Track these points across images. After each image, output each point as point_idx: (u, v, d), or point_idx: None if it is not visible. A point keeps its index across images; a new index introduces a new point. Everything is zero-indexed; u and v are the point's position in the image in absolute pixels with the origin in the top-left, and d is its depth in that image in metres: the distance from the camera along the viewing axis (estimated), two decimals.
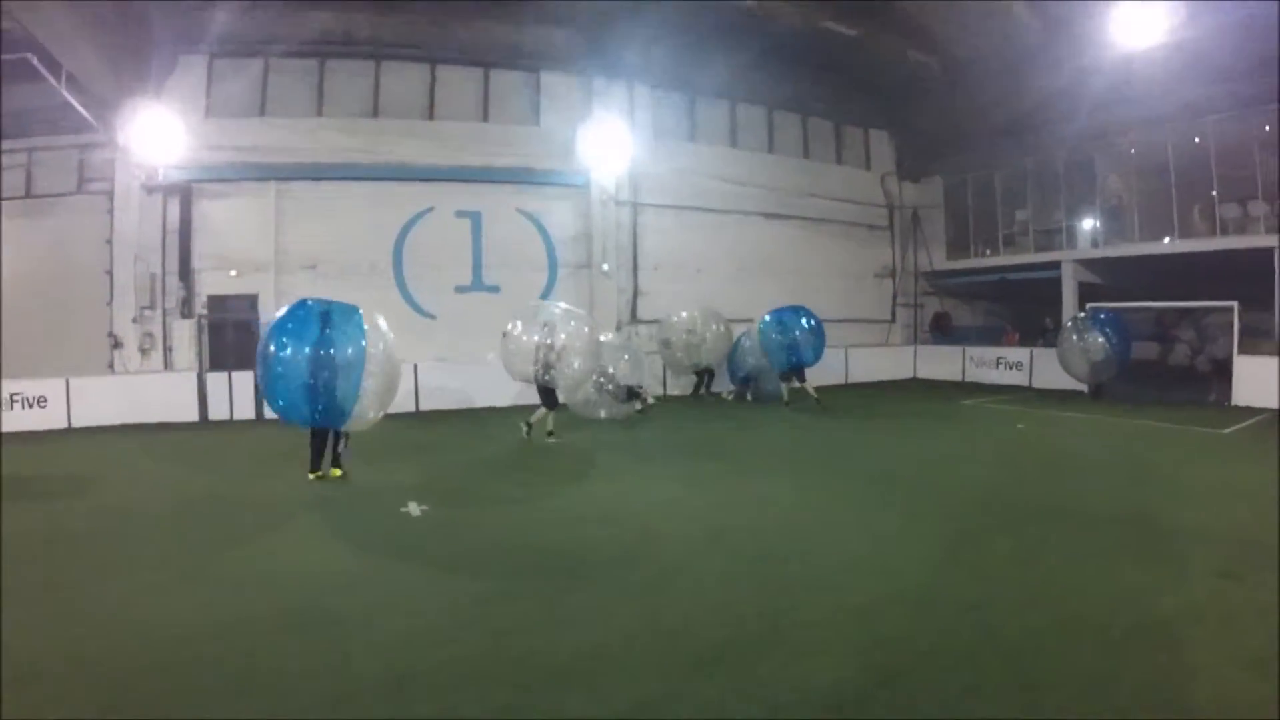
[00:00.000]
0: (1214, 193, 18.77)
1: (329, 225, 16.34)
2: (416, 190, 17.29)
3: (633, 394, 13.92)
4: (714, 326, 17.85)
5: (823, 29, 19.29)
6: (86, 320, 15.38)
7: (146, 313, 15.44)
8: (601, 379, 13.34)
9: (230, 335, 15.27)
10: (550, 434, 12.23)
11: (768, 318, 16.58)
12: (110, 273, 15.58)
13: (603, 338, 12.87)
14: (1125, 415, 15.08)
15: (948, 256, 25.40)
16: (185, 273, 15.46)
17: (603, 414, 13.65)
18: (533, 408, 12.47)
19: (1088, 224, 22.01)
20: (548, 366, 11.59)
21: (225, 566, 6.02)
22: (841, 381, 21.69)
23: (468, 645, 4.56)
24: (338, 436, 9.22)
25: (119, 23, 14.33)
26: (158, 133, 14.88)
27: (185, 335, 15.15)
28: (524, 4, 17.62)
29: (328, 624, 4.87)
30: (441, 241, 17.40)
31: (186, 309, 15.31)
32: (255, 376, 9.56)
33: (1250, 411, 15.38)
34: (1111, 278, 21.60)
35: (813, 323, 16.67)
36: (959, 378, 22.76)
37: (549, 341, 11.62)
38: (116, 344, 15.37)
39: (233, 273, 15.70)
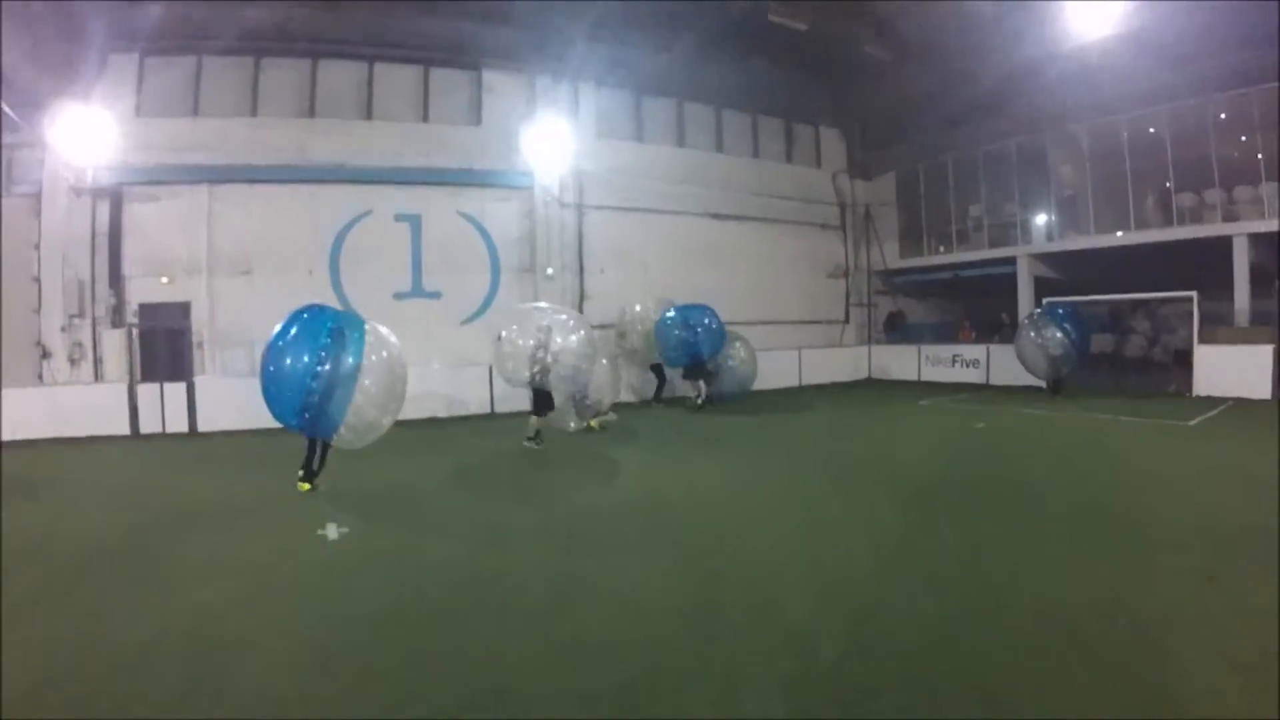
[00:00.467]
0: (1169, 183, 20.12)
1: (264, 229, 16.95)
2: (354, 192, 17.96)
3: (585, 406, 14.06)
4: None
5: (771, 24, 20.14)
6: (13, 329, 15.72)
7: (75, 321, 15.92)
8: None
9: (162, 345, 15.73)
10: (530, 439, 12.61)
11: (671, 313, 17.33)
12: (38, 279, 16.04)
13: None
14: (1088, 410, 15.85)
15: (901, 254, 26.85)
16: (115, 279, 15.99)
17: (572, 425, 14.05)
18: (475, 419, 13.01)
19: (1042, 218, 23.41)
20: (545, 370, 12.02)
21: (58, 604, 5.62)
22: (795, 384, 22.89)
23: None
24: (324, 450, 9.63)
25: (47, 19, 14.78)
26: (87, 133, 15.34)
27: (116, 345, 15.53)
28: (465, 0, 18.33)
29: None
30: (380, 246, 18.10)
31: (117, 317, 15.80)
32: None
33: (1213, 401, 16.48)
34: (1067, 271, 23.03)
35: (715, 324, 17.24)
36: (915, 377, 24.08)
37: (545, 344, 12.02)
38: (45, 354, 15.85)
39: (164, 279, 16.23)
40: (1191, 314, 17.89)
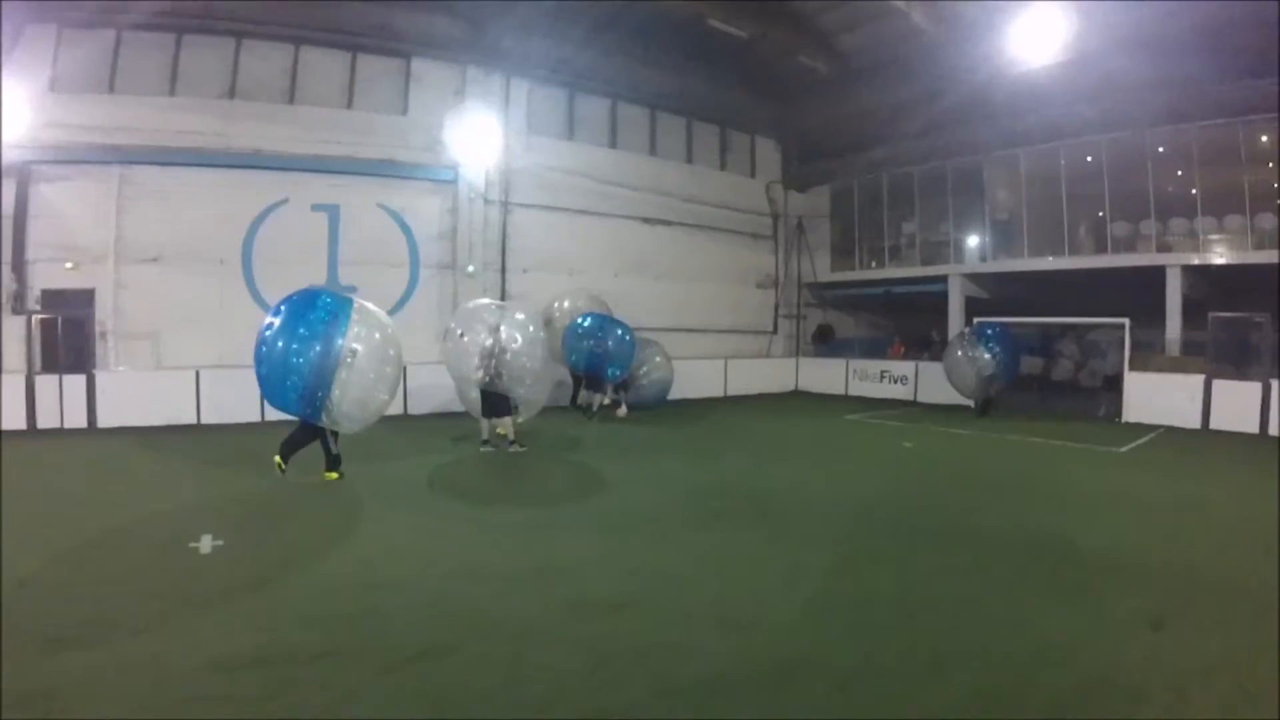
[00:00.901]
0: (1102, 212, 21.75)
1: (175, 215, 17.29)
2: (271, 180, 18.38)
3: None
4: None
5: (711, 29, 21.37)
6: None
7: None
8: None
9: (62, 334, 15.86)
10: (485, 442, 13.02)
11: (586, 321, 17.93)
12: None
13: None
14: (1018, 433, 16.63)
15: (832, 268, 28.48)
16: (19, 263, 16.17)
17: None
18: (388, 419, 13.36)
19: (975, 239, 25.02)
20: (497, 372, 12.34)
21: None
22: (720, 394, 24.19)
23: None
24: (332, 436, 10.24)
25: None
26: None
27: (17, 333, 15.57)
28: None
29: None
30: (296, 236, 18.58)
31: (18, 304, 15.99)
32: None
33: (1143, 428, 17.65)
34: (999, 292, 24.78)
35: (627, 339, 17.85)
36: (842, 391, 25.64)
37: (496, 343, 12.32)
38: None
39: (69, 264, 16.46)
40: (1123, 341, 19.27)
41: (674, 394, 20.72)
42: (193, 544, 7.30)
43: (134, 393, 15.15)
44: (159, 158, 17.20)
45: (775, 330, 27.90)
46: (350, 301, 9.98)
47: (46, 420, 14.80)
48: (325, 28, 18.93)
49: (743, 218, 26.62)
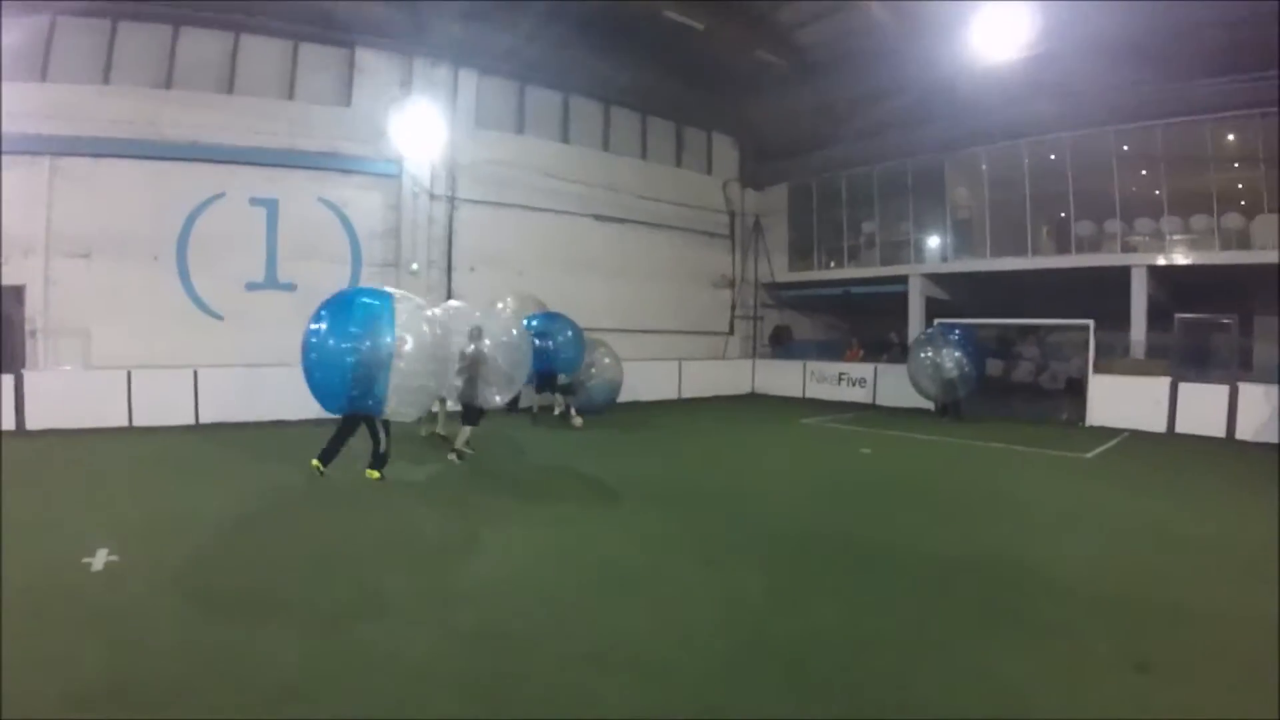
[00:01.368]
0: (1064, 213, 22.63)
1: (108, 208, 17.59)
2: (207, 172, 18.72)
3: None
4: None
5: (667, 20, 22.01)
6: None
7: None
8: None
9: None
10: (458, 453, 12.97)
11: (535, 321, 17.88)
12: None
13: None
14: (979, 438, 16.99)
15: (790, 268, 29.53)
16: None
17: (423, 432, 15.25)
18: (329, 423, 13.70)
19: (936, 238, 26.04)
20: (471, 380, 12.65)
21: None
22: (674, 396, 25.01)
23: None
24: (378, 437, 10.86)
25: None
26: None
27: None
28: None
29: None
30: (232, 231, 18.98)
31: None
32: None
33: (1107, 432, 18.24)
34: (960, 293, 25.77)
35: (574, 337, 18.29)
36: (799, 393, 26.53)
37: (475, 349, 12.64)
38: None
39: None
40: (1086, 343, 19.94)
41: (627, 396, 21.38)
42: (86, 559, 7.07)
43: (65, 393, 15.51)
44: (92, 148, 17.42)
45: (731, 331, 28.89)
46: (391, 295, 10.79)
47: None
48: (267, 14, 19.28)
49: (698, 216, 27.62)
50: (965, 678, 5.13)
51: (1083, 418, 19.69)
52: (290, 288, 19.37)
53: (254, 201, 19.27)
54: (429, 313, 11.23)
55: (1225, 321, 19.47)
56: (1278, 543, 8.20)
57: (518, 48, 22.03)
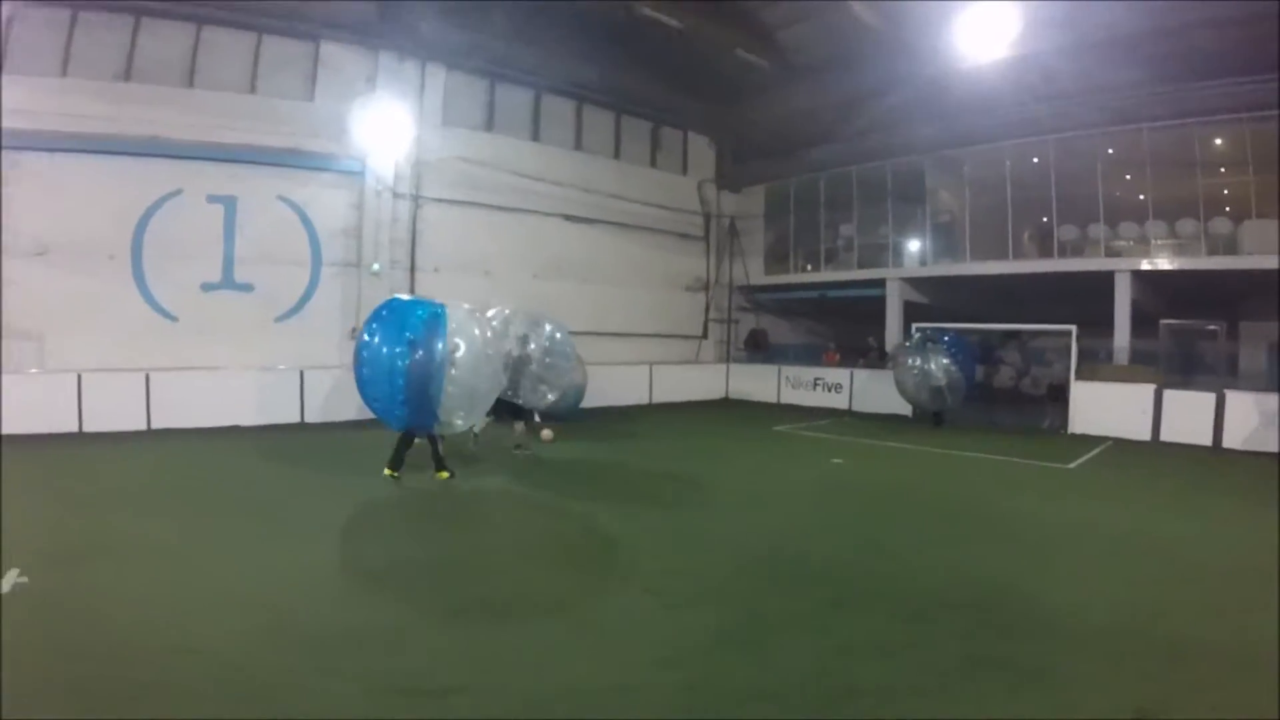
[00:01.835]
0: (1047, 217, 23.13)
1: (63, 206, 17.82)
2: (165, 169, 18.97)
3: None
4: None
5: (644, 17, 22.30)
6: None
7: None
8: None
9: None
10: (519, 446, 14.80)
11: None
12: None
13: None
14: (958, 447, 17.19)
15: (766, 270, 30.20)
16: None
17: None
18: (282, 428, 14.01)
19: (916, 242, 26.63)
20: (515, 381, 13.65)
21: None
22: (645, 401, 25.46)
23: None
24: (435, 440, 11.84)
25: None
26: None
27: None
28: None
29: None
30: (189, 230, 19.22)
31: None
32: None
33: (1090, 440, 18.60)
34: (939, 298, 26.42)
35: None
36: (774, 399, 27.13)
37: (524, 352, 13.81)
38: None
39: None
40: (1069, 348, 20.30)
41: (597, 402, 21.90)
42: None
43: (14, 398, 15.47)
44: (47, 144, 17.60)
45: (705, 335, 29.50)
46: (444, 306, 11.30)
47: None
48: (230, 6, 19.50)
49: (673, 217, 28.22)
50: None
51: (1065, 425, 20.03)
52: (248, 289, 19.71)
53: (212, 199, 19.44)
54: (480, 318, 11.89)
55: (1212, 328, 19.94)
56: (1278, 564, 8.06)
57: (487, 44, 22.46)
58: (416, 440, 12.27)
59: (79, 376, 16.42)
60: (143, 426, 16.60)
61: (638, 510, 11.06)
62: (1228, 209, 20.30)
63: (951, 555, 8.71)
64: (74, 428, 16.07)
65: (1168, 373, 19.54)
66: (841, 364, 26.65)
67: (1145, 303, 21.43)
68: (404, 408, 10.91)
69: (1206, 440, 17.92)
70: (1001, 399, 21.95)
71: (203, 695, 4.97)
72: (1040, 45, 19.17)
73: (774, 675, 5.46)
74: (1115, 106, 20.80)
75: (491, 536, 9.83)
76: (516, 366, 13.68)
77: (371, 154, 21.20)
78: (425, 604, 6.97)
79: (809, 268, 29.08)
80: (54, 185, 17.71)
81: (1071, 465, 15.23)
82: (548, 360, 14.09)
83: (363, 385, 11.30)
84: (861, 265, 27.42)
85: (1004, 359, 22.53)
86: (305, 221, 20.73)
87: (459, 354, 10.83)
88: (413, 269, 22.27)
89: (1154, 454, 17.14)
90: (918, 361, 20.50)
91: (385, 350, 10.84)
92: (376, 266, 21.35)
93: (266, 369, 18.81)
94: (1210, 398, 18.13)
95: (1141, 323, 20.97)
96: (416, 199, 22.31)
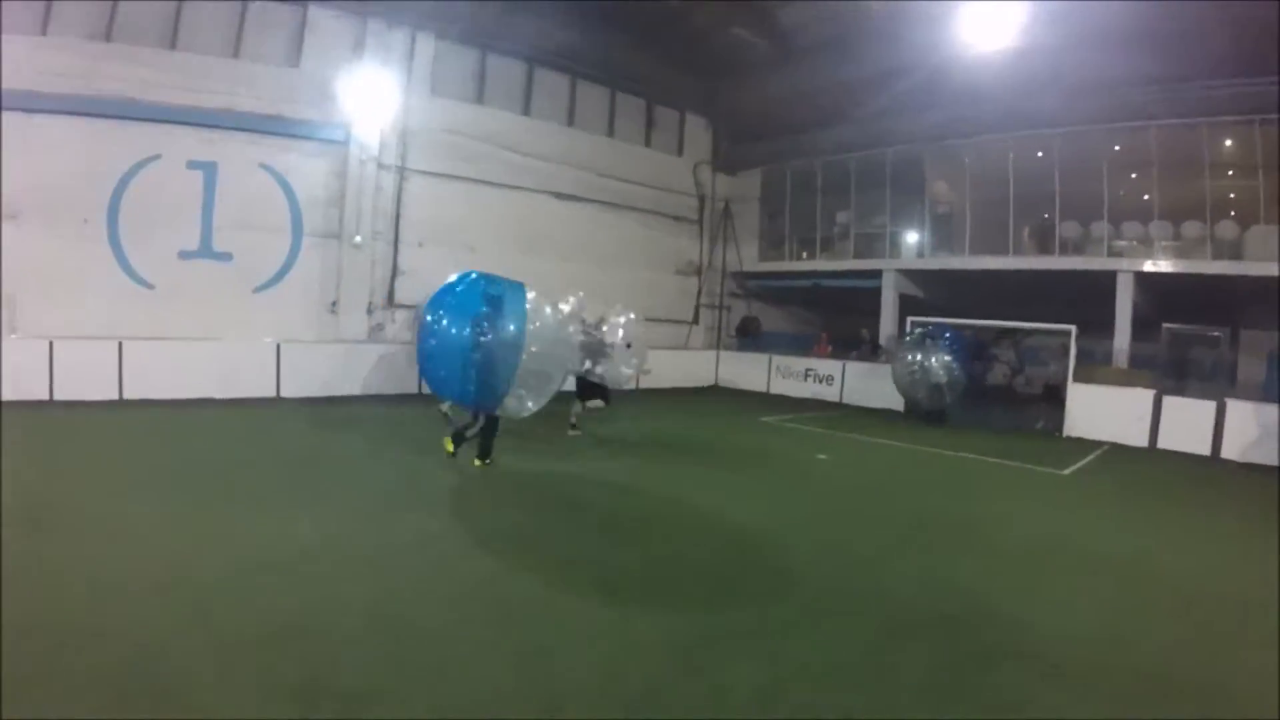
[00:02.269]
0: (1048, 215, 23.28)
1: (37, 169, 17.82)
2: (144, 132, 19.05)
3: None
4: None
5: None
6: None
7: None
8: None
9: None
10: (573, 426, 15.78)
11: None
12: None
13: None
14: (948, 446, 17.04)
15: (760, 257, 30.53)
16: None
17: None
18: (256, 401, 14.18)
19: (914, 233, 26.91)
20: (595, 358, 14.52)
21: None
22: (630, 386, 24.73)
23: None
24: (488, 420, 11.98)
25: None
26: None
27: None
28: None
29: None
30: (167, 196, 19.32)
31: None
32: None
33: (1085, 445, 18.62)
34: (936, 291, 26.66)
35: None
36: (764, 388, 27.43)
37: (596, 335, 14.61)
38: None
39: None
40: (1066, 348, 20.41)
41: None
42: None
43: None
44: (24, 102, 17.58)
45: (695, 320, 29.80)
46: (521, 285, 11.35)
47: None
48: None
49: (666, 199, 28.55)
50: None
51: (1060, 427, 20.09)
52: (227, 258, 19.85)
53: (192, 165, 19.51)
54: (551, 309, 11.76)
55: (1215, 335, 20.02)
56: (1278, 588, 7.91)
57: (480, 13, 22.56)
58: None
59: (50, 344, 16.51)
60: (114, 396, 16.74)
61: (600, 510, 10.38)
62: (1234, 213, 20.41)
63: (926, 564, 8.44)
64: (45, 395, 16.17)
65: (1168, 378, 19.65)
66: (834, 355, 26.90)
67: (1145, 305, 21.58)
68: (471, 385, 10.75)
69: (1205, 449, 17.93)
70: (995, 397, 21.95)
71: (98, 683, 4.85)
72: (1048, 37, 19.24)
73: (715, 698, 5.15)
74: (1123, 103, 20.92)
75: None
76: (595, 349, 14.56)
77: (356, 123, 21.31)
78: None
79: (804, 255, 29.36)
80: (29, 147, 17.62)
81: (1066, 471, 15.10)
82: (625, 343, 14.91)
83: (426, 359, 11.26)
84: (857, 254, 27.65)
85: (998, 356, 22.58)
86: (287, 190, 20.85)
87: (531, 333, 10.72)
88: (396, 241, 22.45)
89: (1151, 462, 17.07)
90: (917, 357, 20.55)
91: (455, 325, 10.68)
92: (359, 238, 21.50)
93: (242, 340, 19.01)
94: (1210, 406, 18.15)
95: (1141, 325, 21.07)
96: (402, 170, 22.47)
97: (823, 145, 27.79)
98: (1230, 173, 20.79)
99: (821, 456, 15.45)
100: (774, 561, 8.31)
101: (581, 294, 14.91)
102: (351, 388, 20.01)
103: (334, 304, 21.19)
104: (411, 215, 22.70)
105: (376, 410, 18.18)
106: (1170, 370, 20.06)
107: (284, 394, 18.87)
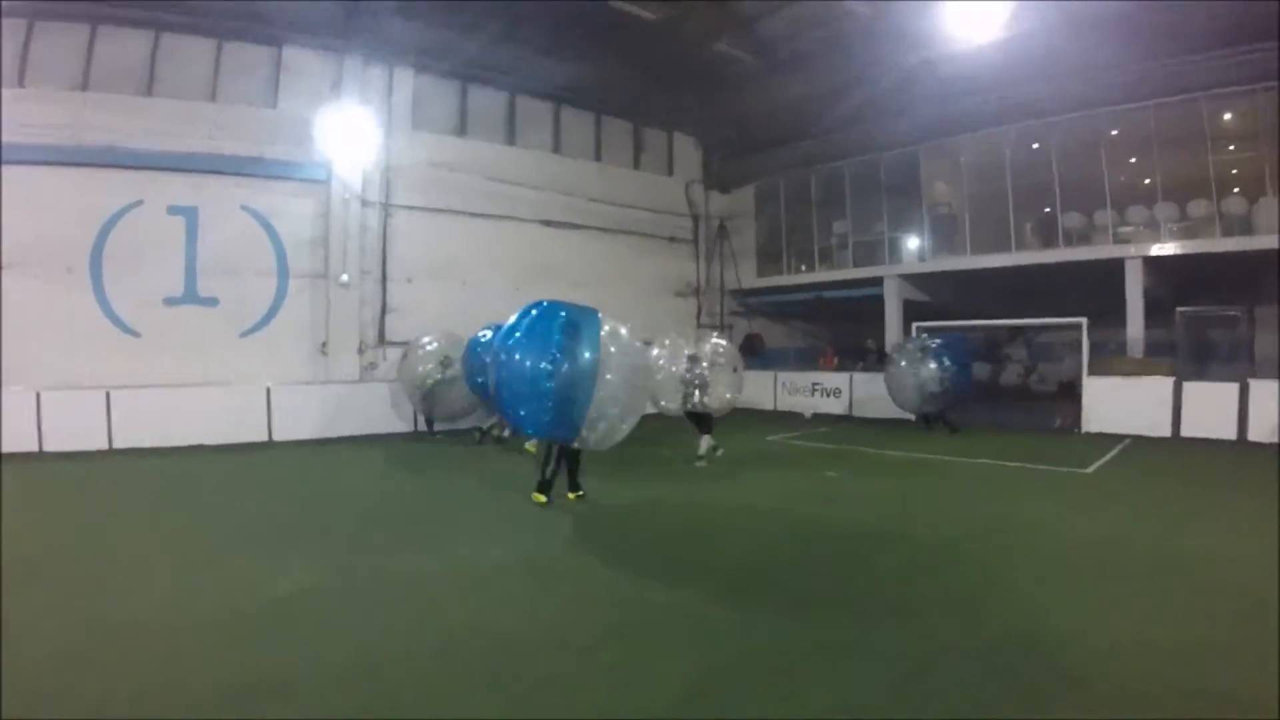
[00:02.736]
0: (1049, 208, 23.30)
1: (21, 219, 18.22)
2: (124, 179, 19.48)
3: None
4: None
5: (616, 11, 22.60)
6: None
7: None
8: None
9: None
10: (700, 458, 15.90)
11: (488, 333, 17.15)
12: None
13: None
14: (964, 453, 16.68)
15: (759, 273, 30.76)
16: None
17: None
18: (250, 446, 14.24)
19: (914, 237, 26.97)
20: (698, 390, 15.14)
21: None
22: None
23: None
24: (572, 457, 11.96)
25: None
26: None
27: None
28: None
29: None
30: (149, 242, 19.69)
31: None
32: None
33: (1106, 439, 18.26)
34: (940, 294, 26.73)
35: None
36: (771, 406, 27.31)
37: (697, 371, 15.17)
38: None
39: None
40: (1080, 342, 20.27)
41: None
42: None
43: None
44: (6, 154, 17.95)
45: None
46: (595, 312, 11.38)
47: None
48: (189, 12, 19.99)
49: (660, 220, 28.84)
50: None
51: (1078, 424, 19.87)
52: (213, 302, 20.17)
53: (173, 210, 19.89)
54: (626, 340, 11.50)
55: (1231, 314, 19.88)
56: None
57: (457, 45, 22.94)
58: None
59: (37, 395, 16.82)
60: (104, 446, 16.92)
61: (596, 541, 9.94)
62: (1240, 187, 20.35)
63: (953, 586, 7.68)
64: (34, 447, 16.39)
65: (1186, 363, 19.46)
66: (840, 368, 26.93)
67: (1157, 290, 21.48)
68: (549, 414, 10.46)
69: (1231, 434, 17.72)
70: (1009, 397, 21.76)
71: None
72: (1036, 23, 19.25)
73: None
74: (1117, 83, 20.86)
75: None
76: (699, 382, 15.22)
77: (337, 161, 21.68)
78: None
79: (803, 268, 29.56)
80: (11, 196, 18.03)
81: (1089, 469, 14.51)
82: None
83: (500, 388, 11.03)
84: (857, 264, 27.85)
85: (1010, 355, 22.45)
86: (270, 231, 21.18)
87: (609, 362, 10.57)
88: (384, 279, 22.71)
89: (1176, 452, 16.73)
90: (908, 367, 20.41)
91: (530, 356, 10.41)
92: (345, 277, 21.75)
93: (232, 385, 19.25)
94: (1233, 388, 17.97)
95: (1154, 312, 20.99)
96: (386, 206, 22.79)
97: (814, 155, 27.99)
98: (1233, 146, 20.71)
99: (831, 474, 14.76)
100: (780, 597, 7.49)
101: (676, 335, 16.17)
102: (345, 429, 20.11)
103: (324, 345, 21.44)
104: (399, 252, 22.99)
105: (371, 450, 18.23)
106: (1188, 355, 19.93)
107: (276, 437, 19.04)
